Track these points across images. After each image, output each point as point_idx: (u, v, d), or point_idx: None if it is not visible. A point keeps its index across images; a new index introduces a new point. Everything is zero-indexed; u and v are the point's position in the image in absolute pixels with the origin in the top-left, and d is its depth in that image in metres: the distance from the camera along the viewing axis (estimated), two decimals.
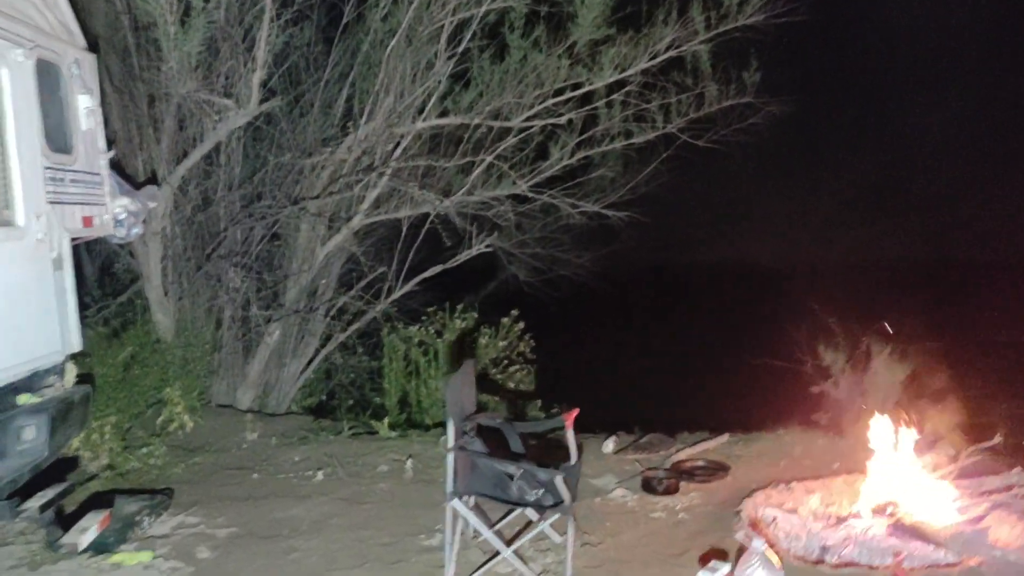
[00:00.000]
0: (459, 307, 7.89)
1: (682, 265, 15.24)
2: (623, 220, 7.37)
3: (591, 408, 8.63)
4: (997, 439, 4.95)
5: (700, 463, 5.25)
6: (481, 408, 4.60)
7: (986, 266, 15.85)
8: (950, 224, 17.70)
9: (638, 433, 6.15)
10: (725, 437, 5.82)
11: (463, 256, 6.83)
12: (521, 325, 8.37)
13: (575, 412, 4.18)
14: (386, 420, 6.45)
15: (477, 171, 7.06)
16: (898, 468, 4.44)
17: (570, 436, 4.11)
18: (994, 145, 16.08)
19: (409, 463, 5.55)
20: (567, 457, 4.09)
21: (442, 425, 6.83)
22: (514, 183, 7.43)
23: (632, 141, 7.42)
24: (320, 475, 5.44)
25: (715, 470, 5.13)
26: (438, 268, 7.05)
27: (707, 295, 12.67)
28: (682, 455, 5.46)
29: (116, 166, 5.24)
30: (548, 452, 4.95)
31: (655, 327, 11.21)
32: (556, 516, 3.87)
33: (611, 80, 6.75)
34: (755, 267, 15.13)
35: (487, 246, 6.66)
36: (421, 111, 6.98)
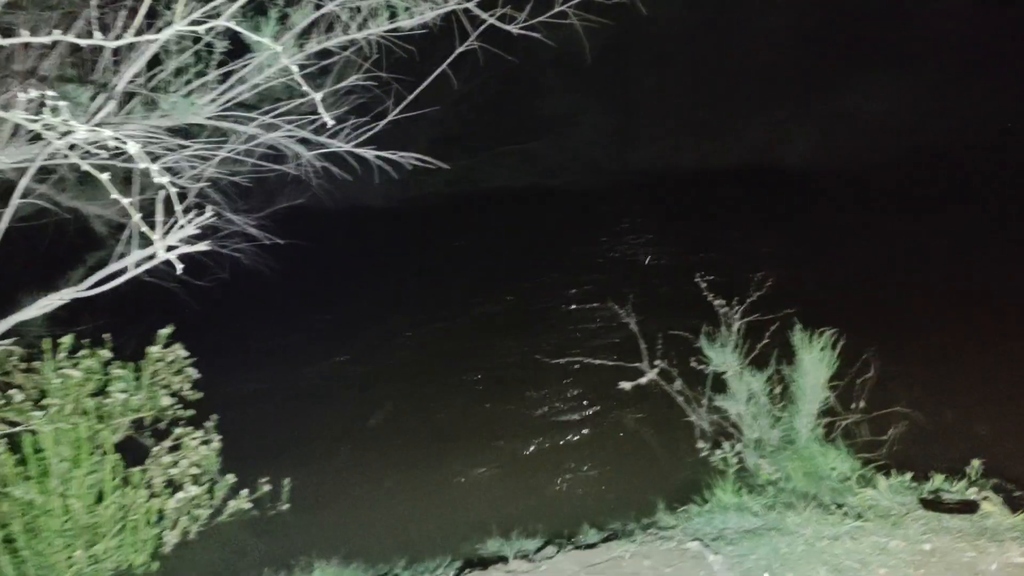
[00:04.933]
0: (66, 337, 4.32)
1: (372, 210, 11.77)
2: (410, 166, 4.19)
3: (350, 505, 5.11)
4: None
5: None
6: None
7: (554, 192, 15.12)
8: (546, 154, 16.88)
9: None
10: (696, 545, 3.28)
11: (132, 266, 2.95)
12: (181, 352, 4.95)
13: None
14: None
15: (126, 75, 3.24)
16: None
17: None
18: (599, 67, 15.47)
19: None
20: None
21: None
22: (192, 103, 3.77)
23: (398, 24, 4.21)
24: None
25: None
26: (65, 296, 3.08)
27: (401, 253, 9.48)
28: None
29: None
30: None
31: (371, 321, 7.87)
32: None
33: None
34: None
35: (192, 240, 2.90)
36: None
